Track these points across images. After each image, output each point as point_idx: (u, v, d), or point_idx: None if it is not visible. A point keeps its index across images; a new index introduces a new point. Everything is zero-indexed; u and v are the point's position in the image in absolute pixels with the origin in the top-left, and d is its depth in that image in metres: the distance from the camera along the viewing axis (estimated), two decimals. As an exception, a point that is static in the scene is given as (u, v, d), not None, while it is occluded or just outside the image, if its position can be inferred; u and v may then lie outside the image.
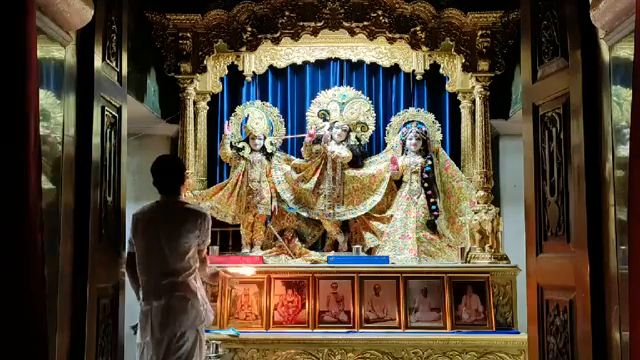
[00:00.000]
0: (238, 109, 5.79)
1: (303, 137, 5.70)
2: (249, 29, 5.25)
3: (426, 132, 5.66)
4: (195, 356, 3.51)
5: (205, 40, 5.35)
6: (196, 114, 5.67)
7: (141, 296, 3.58)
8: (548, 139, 3.20)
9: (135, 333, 3.61)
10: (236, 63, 5.81)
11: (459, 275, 5.02)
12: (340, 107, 5.72)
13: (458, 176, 5.59)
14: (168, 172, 3.67)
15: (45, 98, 2.81)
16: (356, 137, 5.74)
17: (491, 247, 5.11)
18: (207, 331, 4.26)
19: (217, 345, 4.49)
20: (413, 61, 5.81)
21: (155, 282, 3.50)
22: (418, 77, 5.84)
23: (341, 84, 5.91)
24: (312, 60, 5.89)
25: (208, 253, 4.01)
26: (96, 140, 3.13)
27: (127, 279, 3.65)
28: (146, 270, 3.55)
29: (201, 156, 5.72)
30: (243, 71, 5.85)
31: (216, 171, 5.91)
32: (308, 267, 5.15)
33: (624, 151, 2.60)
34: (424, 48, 5.33)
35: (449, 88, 5.80)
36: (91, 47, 3.10)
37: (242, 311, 4.94)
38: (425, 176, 5.52)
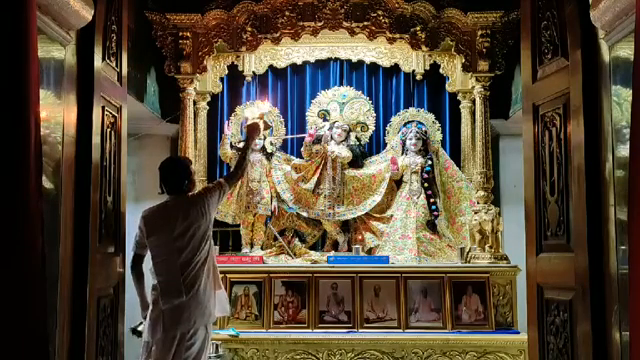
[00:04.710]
0: (238, 109, 5.79)
1: (303, 137, 5.70)
2: (249, 29, 5.25)
3: (426, 132, 5.66)
4: (202, 356, 3.51)
5: (205, 40, 5.35)
6: (196, 114, 5.67)
7: (153, 296, 3.54)
8: (548, 139, 3.20)
9: (134, 335, 3.60)
10: (236, 63, 5.81)
11: (459, 275, 5.02)
12: (340, 107, 5.73)
13: (458, 176, 5.60)
14: (173, 174, 3.67)
15: (45, 98, 2.81)
16: (356, 137, 5.75)
17: (491, 247, 5.11)
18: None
19: (217, 345, 4.50)
20: (413, 61, 5.81)
21: (175, 280, 3.47)
22: (418, 77, 5.84)
23: (341, 84, 5.91)
24: (312, 60, 5.89)
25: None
26: (96, 140, 3.13)
27: (131, 280, 3.62)
28: (164, 270, 3.52)
29: (201, 156, 5.72)
30: (243, 71, 5.85)
31: (216, 171, 5.91)
32: (308, 267, 5.15)
33: (624, 151, 2.61)
34: (424, 48, 5.33)
35: (449, 88, 5.80)
36: (91, 47, 3.10)
37: (242, 311, 4.95)
38: (425, 176, 5.53)
